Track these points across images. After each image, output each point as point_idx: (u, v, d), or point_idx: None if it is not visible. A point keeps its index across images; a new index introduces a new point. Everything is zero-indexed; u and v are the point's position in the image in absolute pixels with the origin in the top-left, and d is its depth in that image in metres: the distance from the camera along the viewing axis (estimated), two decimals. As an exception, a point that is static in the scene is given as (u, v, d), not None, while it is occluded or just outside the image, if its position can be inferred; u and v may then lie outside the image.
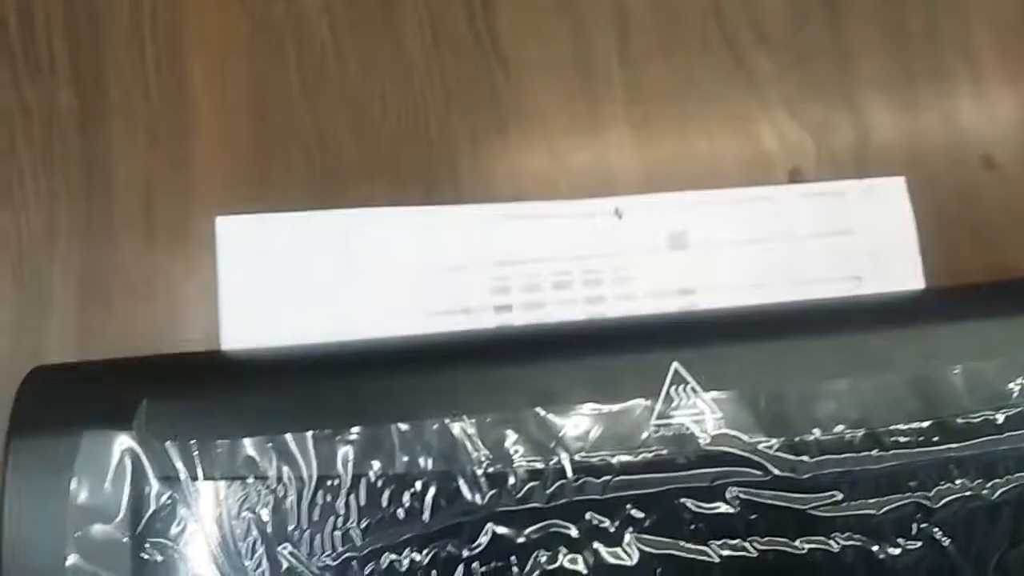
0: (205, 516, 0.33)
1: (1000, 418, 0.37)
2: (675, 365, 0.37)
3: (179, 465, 0.33)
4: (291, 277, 0.41)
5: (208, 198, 0.41)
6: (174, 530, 0.33)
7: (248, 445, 0.34)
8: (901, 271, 0.43)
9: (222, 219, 0.40)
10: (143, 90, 0.42)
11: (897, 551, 0.36)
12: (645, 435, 0.36)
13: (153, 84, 0.42)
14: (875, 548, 0.36)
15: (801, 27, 0.46)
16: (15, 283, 0.40)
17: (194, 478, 0.33)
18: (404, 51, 0.44)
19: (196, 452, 0.33)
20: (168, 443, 0.33)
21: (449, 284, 0.41)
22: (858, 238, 0.44)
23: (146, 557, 0.33)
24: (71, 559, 0.32)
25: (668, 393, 0.36)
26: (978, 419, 0.37)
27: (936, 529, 0.36)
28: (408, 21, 0.44)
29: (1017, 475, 0.37)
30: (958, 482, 0.37)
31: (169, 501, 0.33)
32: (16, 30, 0.42)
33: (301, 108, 0.43)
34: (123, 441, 0.33)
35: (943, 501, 0.36)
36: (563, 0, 0.45)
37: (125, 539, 0.32)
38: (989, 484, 0.37)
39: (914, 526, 0.36)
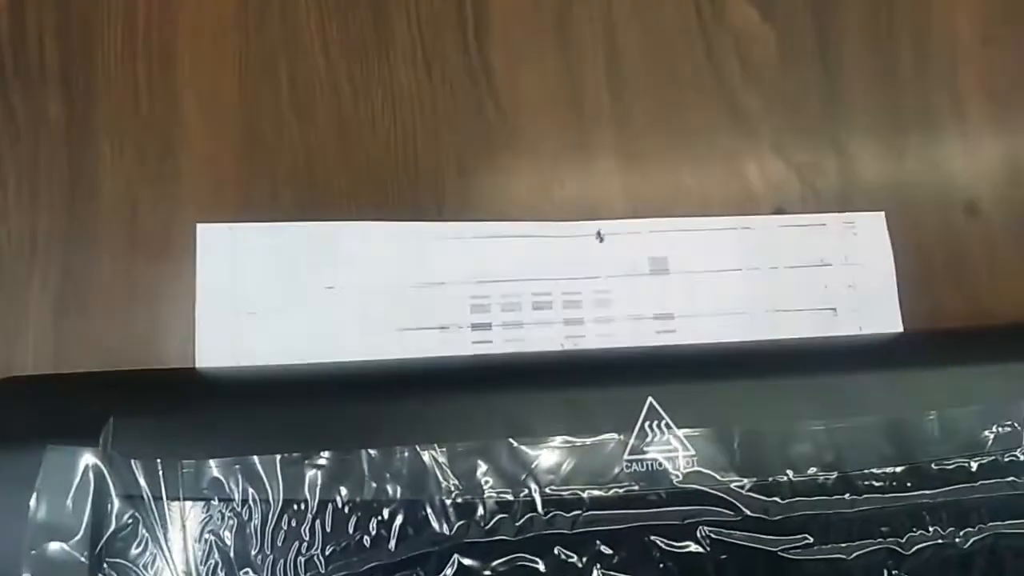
0: (167, 537, 0.33)
1: (974, 466, 0.37)
2: (650, 400, 0.36)
3: (143, 484, 0.33)
4: (269, 288, 0.40)
5: (193, 215, 0.41)
6: (134, 551, 0.32)
7: (214, 466, 0.33)
8: (877, 305, 0.44)
9: (203, 226, 0.40)
10: (133, 104, 0.42)
11: (867, 598, 0.36)
12: (617, 470, 0.35)
13: (144, 98, 0.42)
14: (844, 594, 0.36)
15: (792, 67, 0.46)
16: (-7, 291, 0.40)
17: (157, 498, 0.33)
18: (396, 75, 0.43)
19: (161, 471, 0.33)
20: (133, 461, 0.33)
21: (428, 300, 0.41)
22: (837, 270, 0.44)
23: (103, 578, 0.32)
24: (25, 577, 0.32)
25: (642, 428, 0.36)
26: (952, 466, 0.37)
27: (907, 577, 0.36)
28: (401, 46, 0.44)
29: (990, 524, 0.37)
30: (930, 530, 0.37)
31: (131, 520, 0.32)
32: (7, 40, 0.41)
33: (291, 129, 0.42)
34: (87, 457, 0.33)
35: (915, 548, 0.36)
36: (556, 30, 0.45)
37: (83, 559, 0.32)
38: (961, 532, 0.37)
39: (885, 573, 0.36)
